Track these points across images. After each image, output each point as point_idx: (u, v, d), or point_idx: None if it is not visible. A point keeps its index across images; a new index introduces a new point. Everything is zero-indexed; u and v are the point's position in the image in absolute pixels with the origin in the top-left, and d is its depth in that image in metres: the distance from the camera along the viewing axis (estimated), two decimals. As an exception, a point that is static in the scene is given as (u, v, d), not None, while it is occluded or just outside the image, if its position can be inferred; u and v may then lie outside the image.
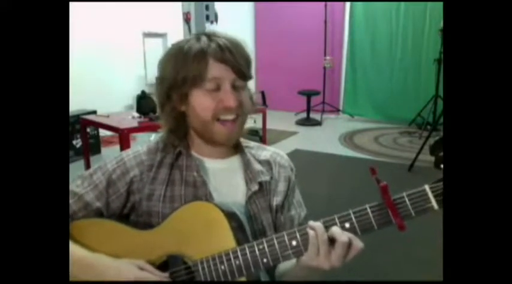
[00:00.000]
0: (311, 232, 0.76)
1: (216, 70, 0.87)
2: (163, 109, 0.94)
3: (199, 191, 0.91)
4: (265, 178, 0.97)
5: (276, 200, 0.97)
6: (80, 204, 0.90)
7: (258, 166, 0.98)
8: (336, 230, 0.75)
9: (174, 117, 0.93)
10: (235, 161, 0.99)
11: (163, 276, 0.82)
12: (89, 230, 0.88)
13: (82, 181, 0.93)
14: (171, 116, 0.93)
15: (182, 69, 0.87)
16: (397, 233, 0.75)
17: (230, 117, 0.89)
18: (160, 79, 0.92)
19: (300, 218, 1.00)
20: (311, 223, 0.77)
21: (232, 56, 0.87)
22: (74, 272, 0.79)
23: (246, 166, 0.97)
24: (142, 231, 0.87)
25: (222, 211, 0.82)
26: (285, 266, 0.90)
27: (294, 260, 0.83)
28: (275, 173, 1.00)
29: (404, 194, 0.75)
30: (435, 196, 0.72)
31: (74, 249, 0.83)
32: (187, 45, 0.88)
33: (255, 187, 0.94)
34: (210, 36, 0.89)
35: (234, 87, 0.89)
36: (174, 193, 0.91)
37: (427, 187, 0.73)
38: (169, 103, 0.92)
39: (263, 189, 0.96)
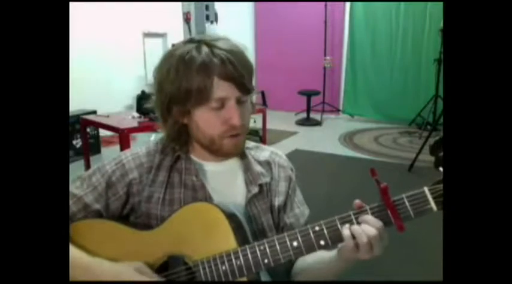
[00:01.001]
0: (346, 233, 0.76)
1: (221, 89, 0.84)
2: (164, 120, 0.92)
3: (199, 194, 0.91)
4: (266, 180, 0.97)
5: (278, 200, 0.98)
6: (80, 205, 0.90)
7: (258, 168, 0.98)
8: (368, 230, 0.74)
9: (176, 129, 0.92)
10: (234, 163, 0.98)
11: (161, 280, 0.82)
12: (89, 231, 0.88)
13: (81, 182, 0.93)
14: (173, 129, 0.92)
15: (184, 83, 0.84)
16: (398, 234, 0.75)
17: (236, 132, 0.89)
18: (160, 89, 0.89)
19: (304, 216, 1.01)
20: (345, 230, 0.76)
21: (237, 71, 0.83)
22: (72, 275, 0.79)
23: (247, 168, 0.97)
24: (142, 232, 0.87)
25: (223, 211, 0.83)
26: (312, 258, 0.90)
27: (322, 254, 0.84)
28: (275, 173, 1.00)
29: (403, 195, 0.75)
30: (434, 198, 0.73)
31: (73, 252, 0.82)
32: (189, 57, 0.84)
33: (255, 190, 0.94)
34: (212, 47, 0.84)
35: (239, 102, 0.87)
36: (174, 196, 0.91)
37: (426, 189, 0.74)
38: (170, 116, 0.90)
39: (263, 191, 0.96)
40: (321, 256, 0.89)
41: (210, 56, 0.83)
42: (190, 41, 0.88)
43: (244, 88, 0.86)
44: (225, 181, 0.96)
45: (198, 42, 0.86)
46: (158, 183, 0.92)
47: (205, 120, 0.87)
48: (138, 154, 0.95)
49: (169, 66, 0.86)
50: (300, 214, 1.01)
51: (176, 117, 0.89)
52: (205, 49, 0.84)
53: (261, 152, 1.03)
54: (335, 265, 0.86)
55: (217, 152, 0.92)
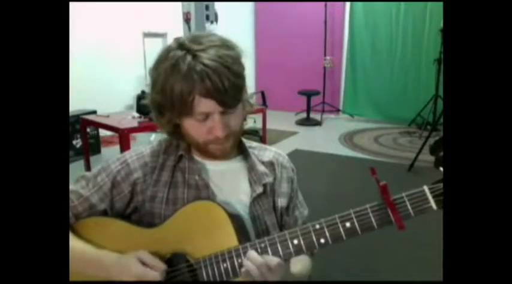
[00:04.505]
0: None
1: (203, 106, 0.82)
2: (158, 120, 0.93)
3: (202, 193, 0.91)
4: (269, 180, 0.97)
5: (281, 201, 0.99)
6: (86, 205, 0.91)
7: (261, 168, 0.98)
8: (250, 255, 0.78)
9: (170, 127, 0.92)
10: (237, 162, 0.99)
11: (162, 267, 0.82)
12: (95, 229, 0.90)
13: (86, 182, 0.93)
14: (167, 128, 0.93)
15: (169, 93, 0.83)
16: (398, 234, 0.75)
17: (220, 142, 0.88)
18: (152, 89, 0.88)
19: (303, 217, 1.02)
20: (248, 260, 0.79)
21: (216, 88, 0.80)
22: (79, 267, 0.80)
23: (251, 167, 0.97)
24: (146, 229, 0.88)
25: (225, 210, 0.83)
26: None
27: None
28: (278, 173, 1.00)
29: (403, 194, 0.75)
30: (434, 197, 0.73)
31: (79, 245, 0.85)
32: (175, 69, 0.81)
33: (260, 190, 0.95)
34: (196, 59, 0.80)
35: (224, 114, 0.85)
36: (177, 196, 0.92)
37: (425, 187, 0.74)
38: (163, 116, 0.90)
39: (266, 190, 0.97)
40: None
41: (191, 72, 0.80)
42: (181, 46, 0.83)
43: (226, 104, 0.84)
44: (229, 181, 0.96)
45: (187, 51, 0.82)
46: (162, 182, 0.93)
47: (191, 127, 0.88)
48: (143, 154, 0.96)
49: (160, 72, 0.84)
50: (299, 215, 1.03)
51: (168, 117, 0.90)
52: (188, 61, 0.81)
53: (265, 152, 1.03)
54: None
55: (205, 154, 0.94)
